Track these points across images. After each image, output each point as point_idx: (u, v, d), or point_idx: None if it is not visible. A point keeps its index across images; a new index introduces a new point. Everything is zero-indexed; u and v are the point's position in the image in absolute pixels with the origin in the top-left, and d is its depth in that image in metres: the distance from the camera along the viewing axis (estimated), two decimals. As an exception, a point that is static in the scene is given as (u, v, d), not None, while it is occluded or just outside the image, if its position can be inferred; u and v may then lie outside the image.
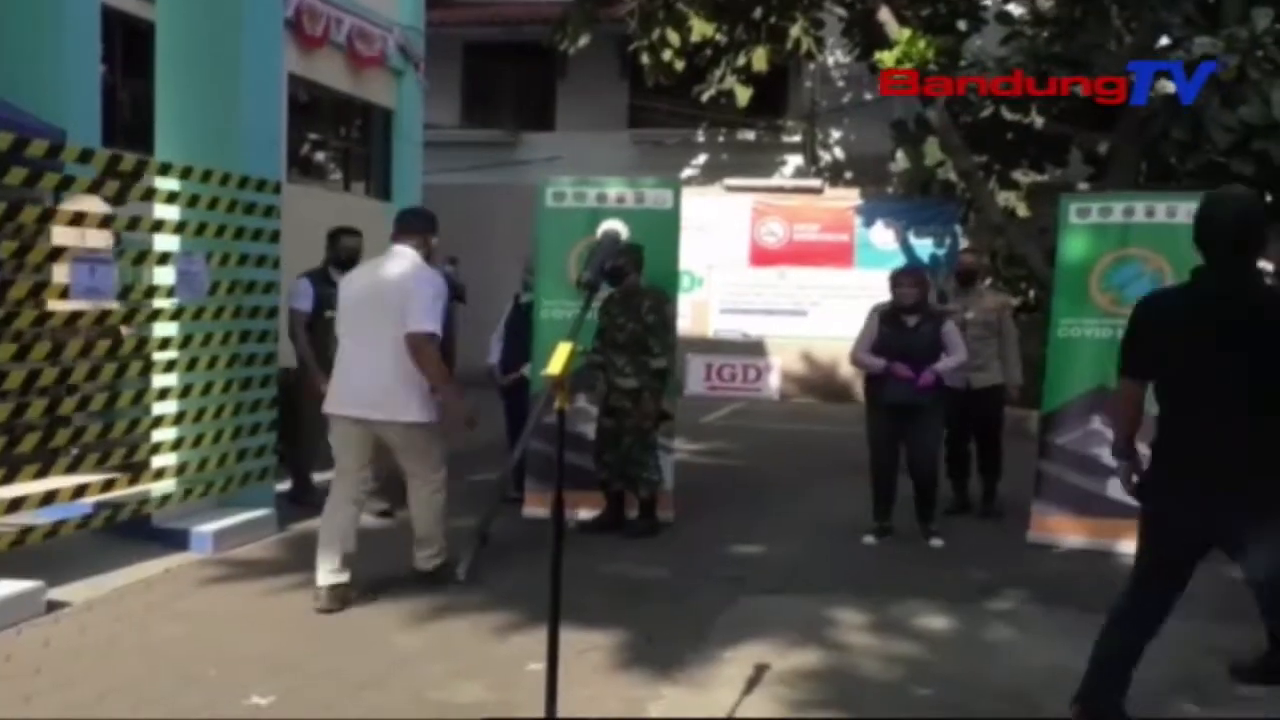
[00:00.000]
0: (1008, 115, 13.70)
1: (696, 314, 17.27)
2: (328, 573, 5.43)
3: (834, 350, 16.73)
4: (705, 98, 16.19)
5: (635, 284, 7.14)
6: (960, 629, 5.50)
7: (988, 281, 9.85)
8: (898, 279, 7.34)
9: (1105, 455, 7.18)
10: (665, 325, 7.21)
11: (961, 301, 8.18)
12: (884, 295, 8.54)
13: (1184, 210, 7.18)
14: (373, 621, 5.29)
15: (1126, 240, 7.28)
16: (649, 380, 7.12)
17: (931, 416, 7.21)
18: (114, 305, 6.01)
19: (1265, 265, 5.58)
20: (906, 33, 13.52)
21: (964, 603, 5.90)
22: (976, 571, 6.59)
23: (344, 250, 7.65)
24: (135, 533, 6.36)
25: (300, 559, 6.01)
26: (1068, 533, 7.26)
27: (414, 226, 5.83)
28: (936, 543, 7.17)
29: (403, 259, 5.65)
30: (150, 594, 5.70)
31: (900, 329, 7.17)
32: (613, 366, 7.13)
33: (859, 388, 9.32)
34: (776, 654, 4.99)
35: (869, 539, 7.28)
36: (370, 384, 5.48)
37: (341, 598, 5.43)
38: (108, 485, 6.02)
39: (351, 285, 5.78)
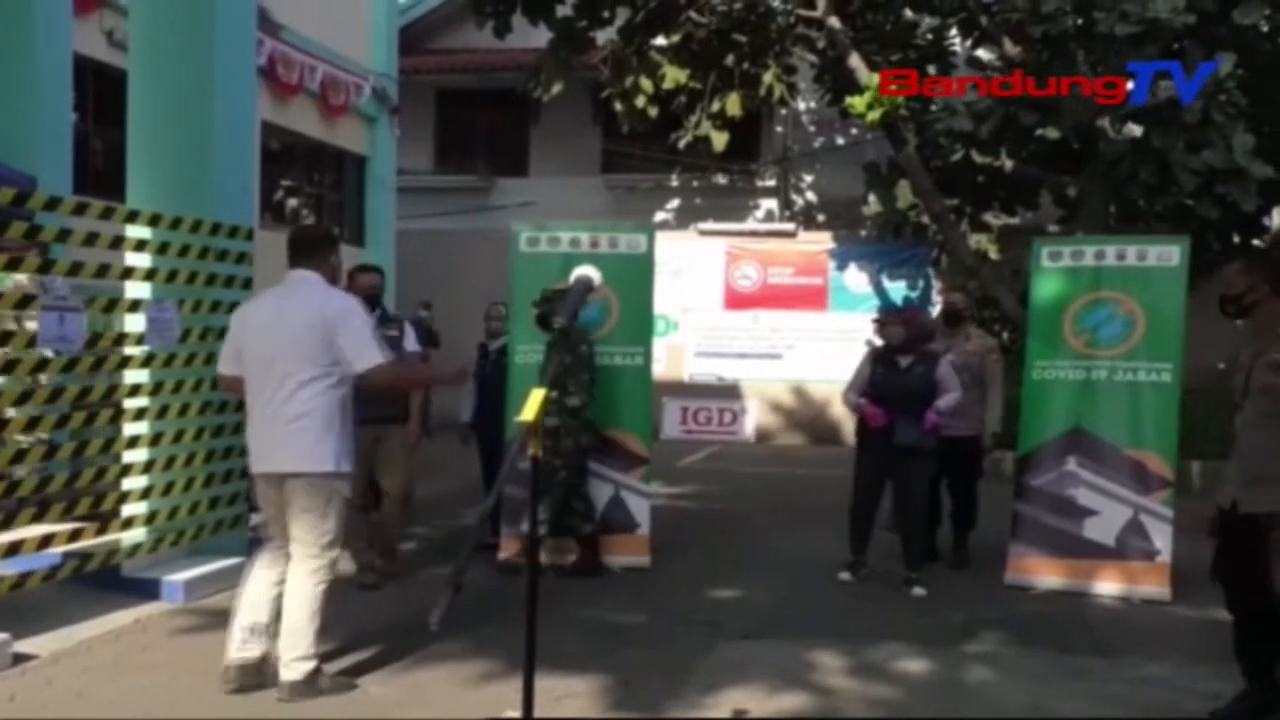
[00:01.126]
0: (978, 159, 13.82)
1: (671, 358, 17.27)
2: (237, 645, 4.88)
3: (809, 392, 16.80)
4: (683, 144, 16.30)
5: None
6: (939, 672, 5.48)
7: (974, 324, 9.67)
8: (883, 319, 7.43)
9: (1080, 496, 7.23)
10: (583, 364, 7.27)
11: (944, 343, 7.86)
12: (858, 336, 8.66)
13: (1154, 254, 7.27)
14: (346, 671, 5.21)
15: (1099, 283, 7.32)
16: (566, 419, 7.15)
17: (930, 459, 7.27)
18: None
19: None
20: (877, 78, 13.65)
21: (942, 645, 5.87)
22: (954, 614, 6.57)
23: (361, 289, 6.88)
24: (104, 583, 6.27)
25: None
26: (1044, 574, 7.25)
27: (313, 248, 5.02)
28: (919, 591, 7.03)
29: (307, 287, 4.93)
30: (119, 645, 5.61)
31: (893, 370, 7.18)
32: None
33: (846, 429, 9.26)
34: (755, 699, 4.95)
35: (845, 575, 7.31)
36: (273, 431, 4.82)
37: (255, 672, 4.87)
38: (75, 534, 5.94)
39: (249, 323, 4.99)
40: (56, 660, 5.30)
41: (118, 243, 6.27)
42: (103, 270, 6.06)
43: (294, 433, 4.77)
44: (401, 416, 7.05)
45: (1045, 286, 7.51)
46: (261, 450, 4.89)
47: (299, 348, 4.77)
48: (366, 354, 4.81)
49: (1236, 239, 14.92)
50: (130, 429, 6.45)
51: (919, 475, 7.21)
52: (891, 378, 7.13)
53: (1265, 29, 11.60)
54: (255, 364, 4.87)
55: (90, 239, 5.98)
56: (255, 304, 5.17)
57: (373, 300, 6.88)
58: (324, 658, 5.01)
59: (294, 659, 4.77)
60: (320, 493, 4.84)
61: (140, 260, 6.46)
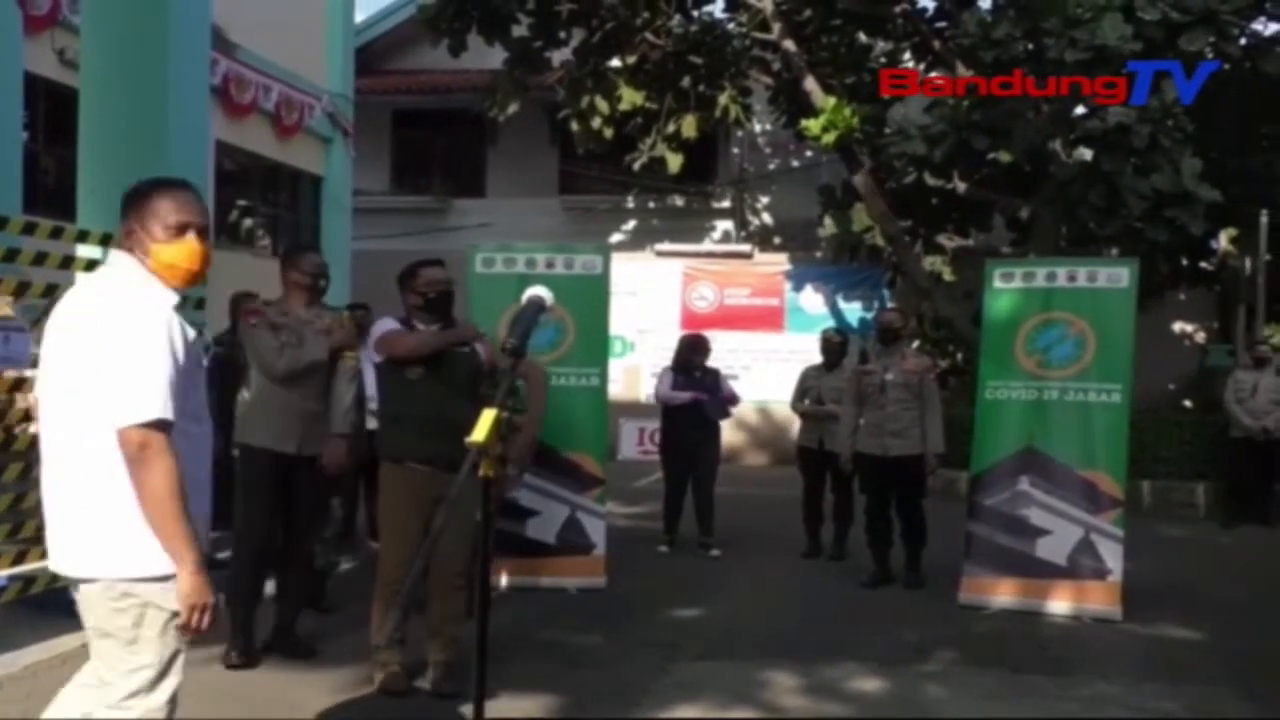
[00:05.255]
0: (932, 182, 13.97)
1: (628, 379, 17.26)
2: None
3: (767, 413, 16.86)
4: (638, 165, 16.35)
5: None
6: (893, 691, 5.50)
7: (915, 344, 9.91)
8: (698, 345, 9.61)
9: (1033, 516, 7.29)
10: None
11: (883, 362, 8.03)
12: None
13: (1104, 276, 7.37)
14: (296, 689, 5.16)
15: (1050, 304, 7.40)
16: None
17: (718, 444, 9.40)
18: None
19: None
20: (832, 101, 13.77)
21: (897, 664, 5.90)
22: (908, 633, 6.60)
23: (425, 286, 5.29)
24: (51, 606, 6.14)
25: (220, 629, 5.86)
26: (997, 593, 7.29)
27: (124, 212, 3.14)
28: (715, 552, 8.83)
29: (103, 280, 3.15)
30: (66, 670, 5.48)
31: (691, 377, 9.36)
32: None
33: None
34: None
35: (663, 548, 9.04)
36: (52, 512, 3.20)
37: None
38: (20, 557, 5.84)
39: (46, 338, 3.16)
40: (0, 685, 5.21)
41: (67, 263, 6.19)
42: (50, 290, 5.97)
43: (67, 513, 3.14)
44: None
45: (998, 307, 7.58)
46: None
47: (69, 380, 3.03)
48: (124, 400, 2.90)
49: (1185, 261, 15.18)
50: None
51: (711, 457, 9.24)
52: (690, 382, 9.29)
53: (1211, 56, 11.80)
54: (42, 403, 3.19)
55: (39, 258, 5.90)
56: (59, 306, 3.21)
57: (441, 303, 5.30)
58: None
59: None
60: (122, 603, 3.14)
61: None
